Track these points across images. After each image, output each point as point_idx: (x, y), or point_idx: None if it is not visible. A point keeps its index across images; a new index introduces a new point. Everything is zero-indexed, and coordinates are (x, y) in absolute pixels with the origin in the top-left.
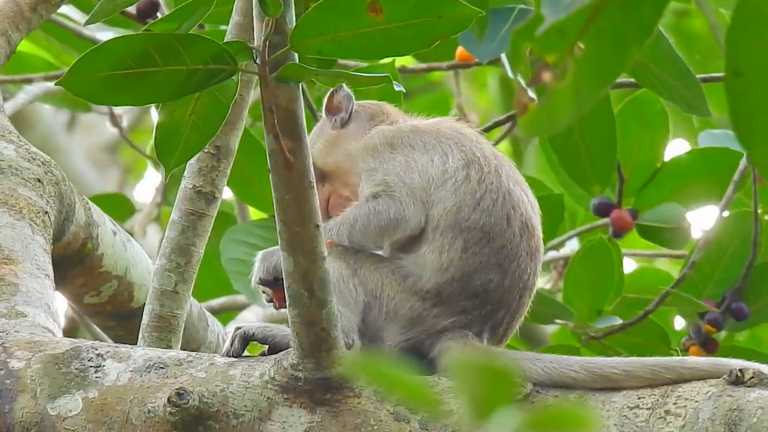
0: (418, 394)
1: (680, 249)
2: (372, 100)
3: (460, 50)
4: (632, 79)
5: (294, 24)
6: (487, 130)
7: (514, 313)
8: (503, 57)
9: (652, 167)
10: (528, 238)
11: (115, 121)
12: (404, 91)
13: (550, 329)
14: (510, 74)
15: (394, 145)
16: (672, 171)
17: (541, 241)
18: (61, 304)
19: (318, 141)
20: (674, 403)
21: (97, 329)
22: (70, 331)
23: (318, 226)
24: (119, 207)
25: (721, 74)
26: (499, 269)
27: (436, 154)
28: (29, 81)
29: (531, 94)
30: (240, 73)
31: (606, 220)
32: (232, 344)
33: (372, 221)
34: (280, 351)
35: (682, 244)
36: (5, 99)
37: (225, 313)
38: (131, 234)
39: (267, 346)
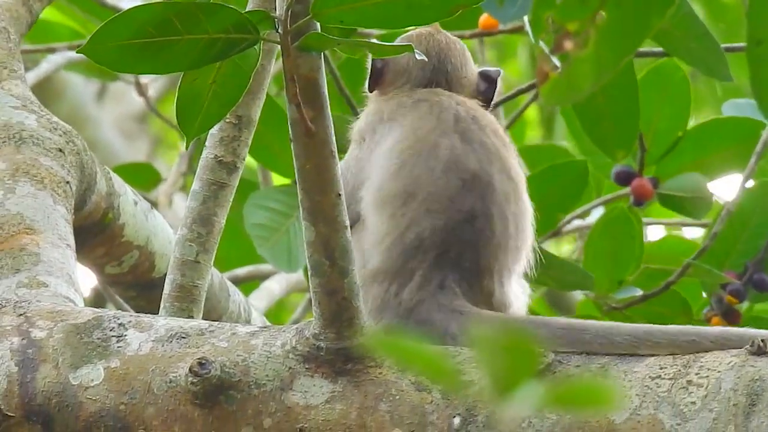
0: (437, 367)
1: (701, 218)
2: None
3: (483, 19)
4: (654, 48)
5: None
6: (511, 98)
7: (474, 242)
8: (527, 24)
9: (674, 136)
10: (460, 172)
11: (141, 90)
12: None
13: (579, 296)
14: (533, 39)
15: (354, 139)
16: (693, 140)
17: (490, 163)
18: (84, 276)
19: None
20: (696, 373)
21: (121, 300)
22: (95, 303)
23: (339, 195)
24: (145, 176)
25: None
26: (429, 215)
27: (373, 143)
28: (53, 50)
29: (552, 62)
30: (261, 42)
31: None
32: None
33: None
34: None
35: (703, 213)
36: (29, 68)
37: (249, 283)
38: (156, 203)
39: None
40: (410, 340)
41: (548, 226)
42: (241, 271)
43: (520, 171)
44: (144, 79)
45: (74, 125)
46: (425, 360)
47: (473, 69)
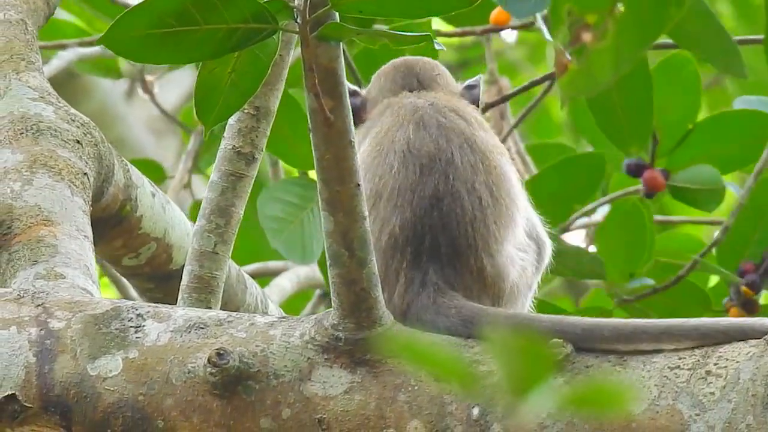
0: (452, 367)
1: (712, 210)
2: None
3: (494, 13)
4: (667, 40)
5: None
6: (525, 89)
7: (447, 224)
8: (539, 20)
9: (684, 128)
10: (415, 158)
11: (146, 87)
12: (444, 49)
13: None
14: (546, 36)
15: None
16: (704, 132)
17: (448, 140)
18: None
19: None
20: (715, 364)
21: (134, 294)
22: None
23: (359, 185)
24: (150, 172)
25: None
26: (395, 210)
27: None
28: (63, 47)
29: (571, 54)
30: (280, 32)
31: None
32: None
33: None
34: None
35: (714, 205)
36: None
37: (257, 280)
38: None
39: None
40: (425, 338)
41: (564, 218)
42: (248, 268)
43: (488, 141)
44: (149, 77)
45: (103, 124)
46: (439, 361)
47: (451, 80)
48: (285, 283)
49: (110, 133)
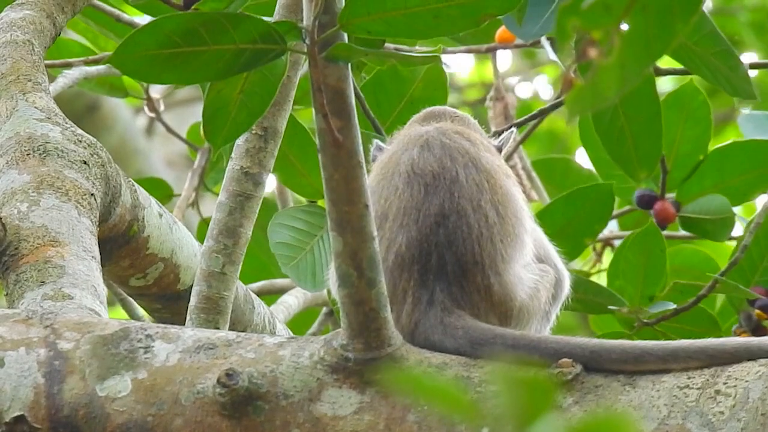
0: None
1: (723, 240)
2: None
3: (500, 32)
4: (677, 66)
5: (343, 4)
6: (534, 118)
7: (452, 241)
8: (543, 41)
9: (695, 159)
10: (419, 178)
11: (151, 105)
12: (450, 67)
13: None
14: (550, 56)
15: None
16: (715, 163)
17: (453, 159)
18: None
19: None
20: (724, 383)
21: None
22: None
23: (367, 205)
24: (156, 191)
25: None
26: (402, 230)
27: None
28: (69, 65)
29: (577, 71)
30: (289, 52)
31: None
32: None
33: None
34: None
35: (725, 235)
36: None
37: (264, 297)
38: None
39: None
40: (433, 360)
41: (576, 251)
42: (255, 285)
43: (494, 162)
44: (155, 94)
45: (123, 158)
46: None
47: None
48: (291, 301)
49: (129, 168)
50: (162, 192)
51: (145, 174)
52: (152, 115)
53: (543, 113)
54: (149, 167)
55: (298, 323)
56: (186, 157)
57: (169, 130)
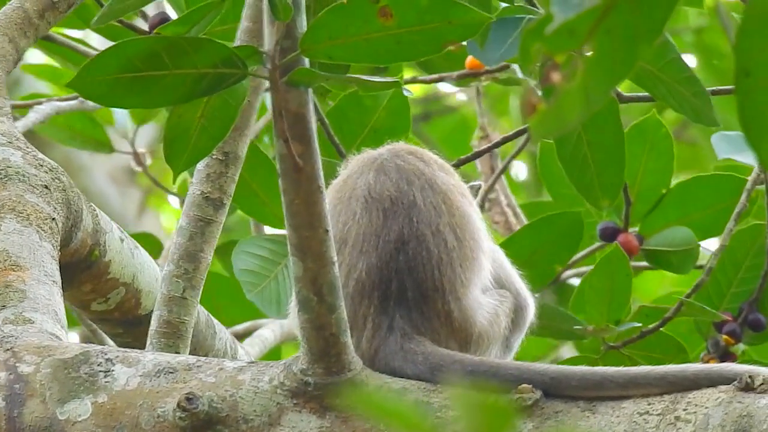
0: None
1: (687, 272)
2: None
3: (470, 59)
4: (642, 93)
5: (304, 29)
6: (498, 145)
7: (413, 267)
8: (515, 66)
9: (658, 193)
10: (377, 203)
11: (138, 159)
12: (412, 94)
13: None
14: (520, 75)
15: None
16: (678, 197)
17: (409, 183)
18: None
19: None
20: (684, 409)
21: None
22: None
23: (327, 231)
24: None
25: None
26: (361, 256)
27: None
28: (39, 102)
29: (540, 94)
30: (250, 77)
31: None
32: None
33: None
34: None
35: (689, 267)
36: (16, 119)
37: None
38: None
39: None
40: (393, 385)
41: (545, 278)
42: (241, 326)
43: (449, 181)
44: (141, 148)
45: (68, 174)
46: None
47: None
48: (267, 334)
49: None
50: (152, 247)
51: (90, 190)
52: (139, 169)
53: (507, 139)
54: (92, 183)
55: (275, 357)
56: (130, 172)
57: (157, 184)
